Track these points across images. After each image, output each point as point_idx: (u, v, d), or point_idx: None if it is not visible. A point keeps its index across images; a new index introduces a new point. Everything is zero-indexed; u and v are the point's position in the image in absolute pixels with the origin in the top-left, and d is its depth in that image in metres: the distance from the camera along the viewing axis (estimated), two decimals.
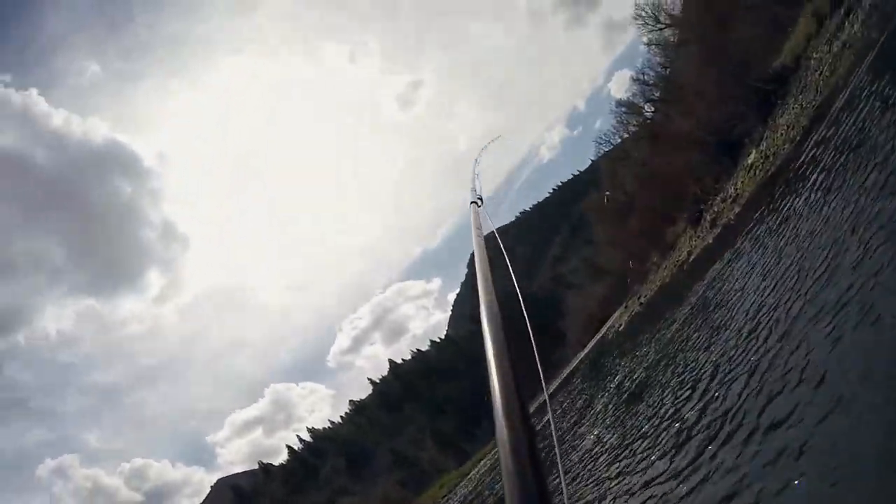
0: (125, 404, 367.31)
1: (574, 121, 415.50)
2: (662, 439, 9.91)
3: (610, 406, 18.62)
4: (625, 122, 61.37)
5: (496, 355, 1.46)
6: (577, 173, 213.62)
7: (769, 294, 10.73)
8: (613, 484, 10.68)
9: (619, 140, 63.86)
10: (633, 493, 9.31)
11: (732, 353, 9.95)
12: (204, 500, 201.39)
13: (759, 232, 17.28)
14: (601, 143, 66.77)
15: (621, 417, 15.31)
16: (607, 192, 67.17)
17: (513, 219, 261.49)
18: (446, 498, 67.40)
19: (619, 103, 62.43)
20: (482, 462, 71.00)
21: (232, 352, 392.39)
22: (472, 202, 3.62)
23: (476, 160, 5.59)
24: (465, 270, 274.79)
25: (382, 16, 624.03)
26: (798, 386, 6.55)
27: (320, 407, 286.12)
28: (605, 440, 14.85)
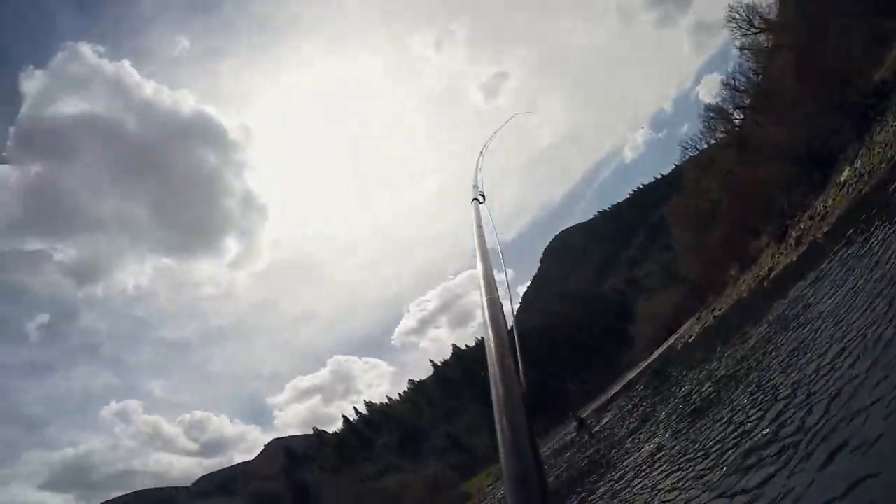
0: (192, 360, 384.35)
1: (659, 122, 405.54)
2: (728, 457, 9.54)
3: (673, 416, 18.17)
4: (712, 127, 59.50)
5: (498, 354, 1.48)
6: (659, 177, 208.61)
7: (856, 319, 10.15)
8: (668, 495, 10.44)
9: (706, 146, 61.96)
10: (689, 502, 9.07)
11: (813, 377, 9.43)
12: (257, 457, 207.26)
13: (847, 253, 16.44)
14: (687, 148, 64.87)
15: (685, 429, 14.88)
16: None
17: (591, 217, 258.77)
18: (492, 487, 67.41)
19: (708, 108, 60.75)
20: None
21: (300, 321, 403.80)
22: (473, 199, 3.38)
23: (481, 153, 5.17)
24: (538, 265, 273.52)
25: (469, 6, 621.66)
26: (887, 417, 6.16)
27: (380, 382, 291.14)
28: (665, 449, 14.55)
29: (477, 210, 3.12)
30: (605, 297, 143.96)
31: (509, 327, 1.65)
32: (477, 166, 4.65)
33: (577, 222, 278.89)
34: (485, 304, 1.74)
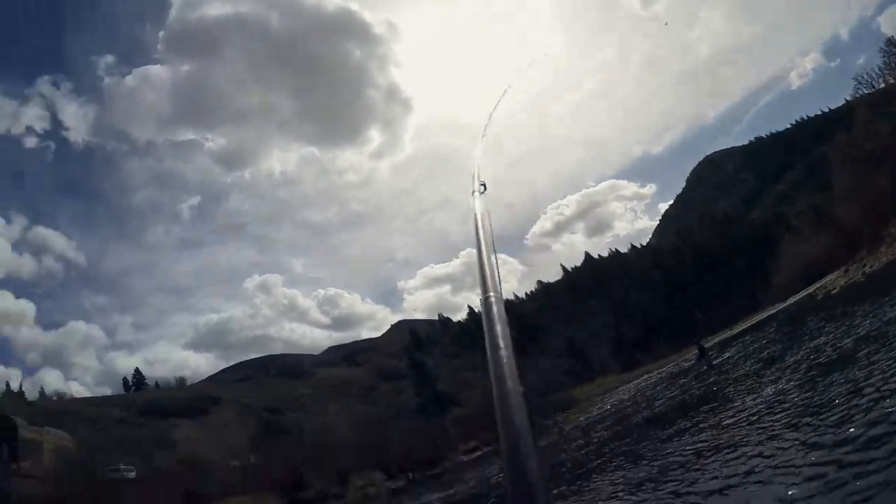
0: (330, 242, 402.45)
1: (833, 50, 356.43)
2: (857, 420, 9.18)
3: (802, 366, 17.47)
4: (892, 64, 52.94)
5: (498, 351, 1.47)
6: (826, 110, 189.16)
7: None
8: (784, 443, 10.28)
9: (883, 84, 55.22)
10: (805, 454, 8.91)
11: None
12: (382, 335, 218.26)
13: None
14: (861, 83, 58.13)
15: (814, 380, 14.36)
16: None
17: (745, 143, 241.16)
18: (601, 398, 67.62)
19: (890, 41, 53.56)
20: (646, 375, 70.14)
21: (436, 211, 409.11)
22: (473, 191, 2.80)
23: (483, 132, 4.02)
24: (683, 184, 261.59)
25: None
26: None
27: (508, 279, 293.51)
28: (787, 396, 14.21)
29: (478, 203, 2.63)
30: (749, 229, 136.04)
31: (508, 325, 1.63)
32: (480, 147, 3.67)
33: (730, 146, 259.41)
34: (489, 301, 1.72)
